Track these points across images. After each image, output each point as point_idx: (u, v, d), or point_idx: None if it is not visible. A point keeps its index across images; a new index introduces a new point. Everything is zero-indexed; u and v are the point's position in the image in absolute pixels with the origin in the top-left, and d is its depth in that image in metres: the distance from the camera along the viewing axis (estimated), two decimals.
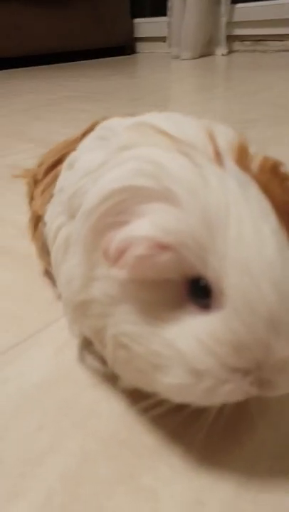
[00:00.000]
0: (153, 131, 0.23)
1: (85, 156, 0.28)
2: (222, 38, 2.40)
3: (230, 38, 2.44)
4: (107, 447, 0.26)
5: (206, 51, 2.46)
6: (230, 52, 2.45)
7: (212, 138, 0.22)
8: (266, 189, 0.20)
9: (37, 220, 0.38)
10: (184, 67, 2.18)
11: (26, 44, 2.38)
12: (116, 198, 0.21)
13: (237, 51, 2.50)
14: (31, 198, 0.40)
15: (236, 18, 2.37)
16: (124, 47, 2.82)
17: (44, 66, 2.47)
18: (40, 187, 0.38)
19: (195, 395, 0.21)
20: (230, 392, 0.20)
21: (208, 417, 0.23)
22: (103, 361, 0.28)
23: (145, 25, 2.80)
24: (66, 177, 0.31)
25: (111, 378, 0.29)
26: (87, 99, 1.39)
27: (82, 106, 1.28)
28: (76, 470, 0.24)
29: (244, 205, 0.19)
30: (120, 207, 0.21)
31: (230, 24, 2.38)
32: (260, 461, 0.24)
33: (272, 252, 0.18)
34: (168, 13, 2.48)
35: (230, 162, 0.20)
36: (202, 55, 2.43)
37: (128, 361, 0.23)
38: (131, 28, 2.81)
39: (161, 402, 0.23)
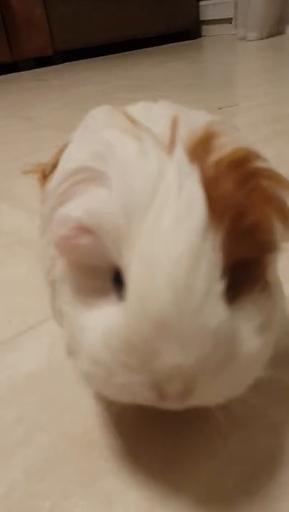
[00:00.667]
0: (122, 115, 0.22)
1: (66, 153, 0.28)
2: None
3: None
4: (76, 446, 0.25)
5: (275, 31, 2.32)
6: None
7: (174, 126, 0.20)
8: (213, 183, 0.18)
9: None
10: (250, 49, 2.08)
11: (89, 37, 2.42)
12: (70, 179, 0.21)
13: None
14: (42, 194, 0.41)
15: None
16: (188, 31, 2.75)
17: (104, 56, 2.50)
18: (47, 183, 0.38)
19: (97, 385, 0.20)
20: (121, 386, 0.18)
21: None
22: None
23: (211, 7, 2.70)
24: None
25: None
26: (139, 88, 1.38)
27: (131, 95, 1.27)
28: (41, 466, 0.25)
29: (172, 197, 0.17)
30: (73, 189, 0.21)
31: None
32: (226, 477, 0.22)
33: (182, 251, 0.16)
34: None
35: (180, 151, 0.18)
36: (270, 35, 2.29)
37: (73, 354, 0.22)
38: (196, 11, 2.73)
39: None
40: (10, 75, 2.25)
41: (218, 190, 0.18)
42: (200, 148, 0.19)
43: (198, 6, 2.73)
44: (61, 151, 0.41)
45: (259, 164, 0.20)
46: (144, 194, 0.18)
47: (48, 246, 0.25)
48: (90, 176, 0.20)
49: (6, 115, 1.25)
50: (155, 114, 0.22)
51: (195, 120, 0.21)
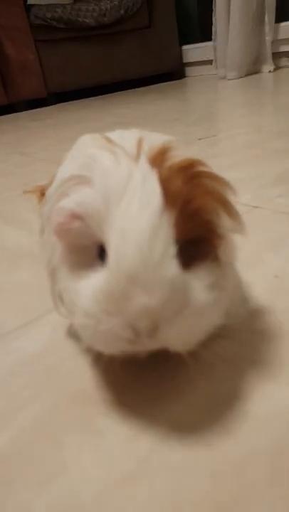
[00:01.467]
0: (102, 138, 0.30)
1: (61, 168, 0.35)
2: (268, 56, 2.43)
3: (277, 55, 2.46)
4: (75, 401, 0.31)
5: (252, 69, 2.49)
6: (277, 68, 2.46)
7: (139, 144, 0.28)
8: (167, 181, 0.25)
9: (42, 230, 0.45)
10: (230, 86, 2.23)
11: (81, 79, 2.59)
12: (65, 184, 0.28)
13: (284, 67, 2.50)
14: (39, 210, 0.48)
15: (282, 36, 2.39)
16: (173, 72, 2.94)
17: (97, 97, 2.66)
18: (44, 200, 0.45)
19: (90, 336, 0.26)
20: (106, 332, 0.24)
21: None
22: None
23: (193, 51, 2.91)
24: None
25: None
26: (130, 124, 1.49)
27: None
28: (45, 417, 0.30)
29: (138, 190, 0.24)
30: (67, 190, 0.28)
31: (276, 42, 2.40)
32: (193, 410, 0.28)
33: (144, 226, 0.23)
34: (213, 37, 2.57)
35: (144, 160, 0.26)
36: (248, 74, 2.47)
37: (71, 316, 0.29)
38: (179, 55, 2.93)
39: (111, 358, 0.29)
40: (6, 116, 2.39)
41: (171, 186, 0.25)
42: (158, 158, 0.27)
43: (181, 50, 2.94)
44: (54, 176, 0.49)
45: (201, 169, 0.27)
46: (118, 189, 0.25)
47: (48, 238, 0.32)
48: (79, 180, 0.28)
49: (5, 152, 1.35)
50: (126, 136, 0.30)
51: (155, 139, 0.29)
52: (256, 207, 0.61)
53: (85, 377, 0.33)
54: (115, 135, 0.31)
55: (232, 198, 0.29)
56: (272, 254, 0.47)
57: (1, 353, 0.38)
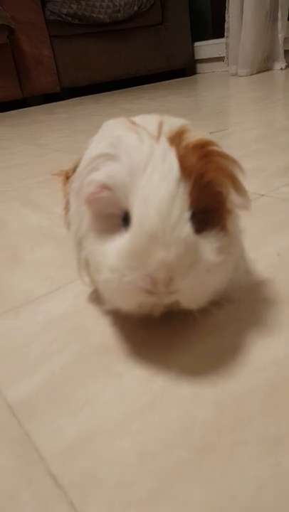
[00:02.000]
0: (127, 121, 0.34)
1: (89, 149, 0.40)
2: (280, 53, 2.45)
3: None
4: (97, 351, 0.36)
5: (264, 66, 2.52)
6: None
7: (160, 126, 0.32)
8: (183, 157, 0.29)
9: (67, 207, 0.50)
10: (241, 83, 2.26)
11: (93, 74, 2.64)
12: (94, 161, 0.32)
13: None
14: (64, 191, 0.52)
15: None
16: (185, 69, 2.98)
17: (109, 92, 2.70)
18: (69, 181, 0.50)
19: (113, 290, 0.30)
20: (128, 285, 0.29)
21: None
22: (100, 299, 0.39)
23: (204, 48, 2.94)
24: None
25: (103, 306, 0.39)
26: None
27: None
28: (72, 363, 0.35)
29: (158, 164, 0.28)
30: (97, 165, 0.32)
31: (288, 39, 2.42)
32: (201, 359, 0.33)
33: (164, 193, 0.28)
34: (225, 34, 2.59)
35: (164, 139, 0.30)
36: (260, 71, 2.49)
37: (96, 275, 0.33)
38: (191, 52, 2.96)
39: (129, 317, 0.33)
40: (21, 109, 2.44)
41: (187, 162, 0.30)
42: (176, 138, 0.31)
43: (193, 47, 2.97)
44: (78, 160, 0.53)
45: (213, 148, 0.32)
46: (141, 164, 0.29)
47: (77, 210, 0.36)
48: (108, 157, 0.32)
49: (22, 143, 1.40)
50: (148, 120, 0.34)
51: (173, 123, 0.33)
52: (263, 195, 0.65)
53: (105, 333, 0.38)
54: (139, 119, 0.35)
55: (240, 175, 0.33)
56: (276, 236, 0.51)
57: (31, 314, 0.43)
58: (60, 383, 0.33)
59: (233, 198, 0.34)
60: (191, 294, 0.30)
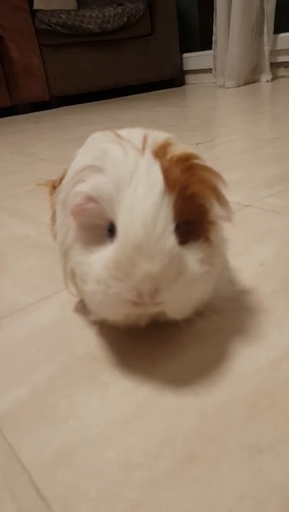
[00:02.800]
0: (112, 134, 0.35)
1: (75, 161, 0.40)
2: (266, 66, 2.50)
3: (275, 65, 2.53)
4: (83, 361, 0.36)
5: (250, 78, 2.56)
6: (275, 78, 2.54)
7: (144, 139, 0.33)
8: (167, 170, 0.30)
9: (54, 218, 0.50)
10: (228, 94, 2.30)
11: (83, 84, 2.65)
12: (80, 173, 0.33)
13: (282, 77, 2.58)
14: (51, 201, 0.53)
15: (280, 47, 2.46)
16: (173, 79, 3.01)
17: (98, 101, 2.71)
18: (56, 191, 0.50)
19: (99, 301, 0.31)
20: (114, 296, 0.29)
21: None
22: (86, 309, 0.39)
23: (193, 59, 2.98)
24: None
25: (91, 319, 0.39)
26: None
27: None
28: (57, 374, 0.35)
29: (143, 176, 0.29)
30: (82, 177, 0.33)
31: (274, 52, 2.48)
32: (184, 369, 0.33)
33: (148, 205, 0.28)
34: (213, 46, 2.64)
35: (148, 153, 0.31)
36: (247, 83, 2.54)
37: (82, 286, 0.33)
38: (180, 63, 3.00)
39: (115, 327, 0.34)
40: (9, 117, 2.44)
41: (171, 175, 0.30)
42: (160, 151, 0.31)
43: (181, 58, 3.01)
44: (65, 170, 0.54)
45: (196, 161, 0.32)
46: (126, 176, 0.30)
47: (63, 221, 0.36)
48: (93, 169, 0.32)
49: (9, 152, 1.40)
50: (133, 133, 0.35)
51: (158, 136, 0.34)
52: (247, 205, 0.66)
53: (91, 343, 0.38)
54: (124, 132, 0.36)
55: (222, 188, 0.34)
56: (259, 246, 0.52)
57: (15, 324, 0.43)
58: (45, 394, 0.33)
59: (216, 209, 0.34)
60: (176, 304, 0.31)
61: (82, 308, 0.42)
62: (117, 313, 0.32)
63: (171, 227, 0.29)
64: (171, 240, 0.29)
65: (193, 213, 0.32)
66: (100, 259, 0.31)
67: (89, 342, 0.38)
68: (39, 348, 0.38)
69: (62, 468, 0.26)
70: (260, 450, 0.26)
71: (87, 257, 0.32)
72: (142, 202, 0.29)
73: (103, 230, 0.32)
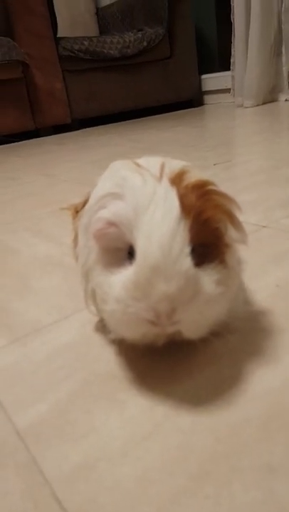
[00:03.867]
0: (131, 163, 0.37)
1: (97, 187, 0.43)
2: (285, 85, 2.53)
3: None
4: (102, 379, 0.38)
5: (269, 98, 2.59)
6: None
7: (162, 167, 0.35)
8: (183, 197, 0.32)
9: (76, 241, 0.52)
10: (247, 114, 2.33)
11: (103, 106, 2.73)
12: (102, 200, 0.35)
13: None
14: (73, 225, 0.55)
15: None
16: (192, 100, 3.07)
17: (119, 123, 2.78)
18: (78, 216, 0.53)
19: (118, 320, 0.33)
20: (132, 315, 0.31)
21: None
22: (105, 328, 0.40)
23: (211, 80, 3.04)
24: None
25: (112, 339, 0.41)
26: (148, 150, 1.59)
27: (141, 155, 1.47)
28: (78, 391, 0.37)
29: (160, 202, 0.31)
30: (104, 204, 0.35)
31: None
32: (200, 389, 0.34)
33: (166, 229, 0.30)
34: (231, 67, 2.69)
35: (165, 180, 0.33)
36: (265, 102, 2.57)
37: (102, 306, 0.35)
38: (198, 84, 3.07)
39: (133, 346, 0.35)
40: (32, 140, 2.53)
41: (187, 201, 0.32)
42: (176, 179, 0.33)
43: (200, 79, 3.07)
44: (87, 194, 0.56)
45: (211, 187, 0.34)
46: (145, 202, 0.32)
47: (85, 244, 0.38)
48: (114, 196, 0.35)
49: (33, 173, 1.45)
50: (151, 161, 0.37)
51: (174, 164, 0.36)
52: (264, 226, 0.67)
53: (110, 362, 0.39)
54: (142, 160, 0.38)
55: (237, 212, 0.35)
56: (275, 267, 0.53)
57: (39, 342, 0.45)
58: (66, 410, 0.35)
59: (231, 232, 0.36)
60: (192, 324, 0.32)
61: (102, 327, 0.43)
62: (135, 332, 0.33)
63: (187, 249, 0.31)
64: (187, 261, 0.30)
65: (208, 237, 0.33)
66: (120, 280, 0.32)
67: (108, 360, 0.40)
68: (60, 365, 0.40)
69: (81, 482, 0.28)
70: (272, 469, 0.27)
71: (107, 277, 0.34)
72: (160, 226, 0.31)
73: (123, 253, 0.34)
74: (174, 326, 0.32)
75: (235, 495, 0.25)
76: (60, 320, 0.49)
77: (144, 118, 2.86)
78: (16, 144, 2.47)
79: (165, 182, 0.33)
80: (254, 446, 0.28)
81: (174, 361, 0.38)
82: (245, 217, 0.35)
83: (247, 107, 2.53)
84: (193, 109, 3.02)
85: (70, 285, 0.57)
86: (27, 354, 0.43)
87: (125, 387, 0.36)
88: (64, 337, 0.45)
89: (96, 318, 0.46)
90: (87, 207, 0.41)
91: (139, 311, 0.31)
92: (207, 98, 3.16)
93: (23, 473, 0.29)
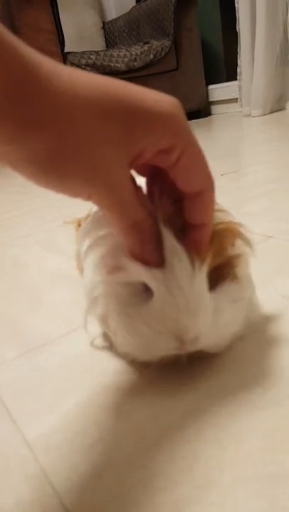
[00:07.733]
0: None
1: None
2: None
3: None
4: (109, 390, 0.38)
5: (276, 106, 2.60)
6: None
7: None
8: None
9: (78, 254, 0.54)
10: (254, 123, 2.34)
11: None
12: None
13: None
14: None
15: None
16: (199, 110, 3.10)
17: None
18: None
19: (138, 349, 0.34)
20: (156, 346, 0.33)
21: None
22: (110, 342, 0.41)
23: (218, 90, 3.07)
24: None
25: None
26: None
27: None
28: (86, 401, 0.37)
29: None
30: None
31: None
32: (204, 399, 0.35)
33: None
34: (238, 77, 2.71)
35: None
36: (272, 111, 2.58)
37: (116, 330, 0.36)
38: (205, 94, 3.09)
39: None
40: None
41: None
42: None
43: (207, 89, 3.10)
44: (90, 209, 0.58)
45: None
46: None
47: (92, 277, 0.39)
48: None
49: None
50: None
51: None
52: (271, 237, 0.68)
53: (116, 373, 0.40)
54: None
55: (241, 226, 0.37)
56: (281, 278, 0.54)
57: (49, 354, 0.46)
58: (74, 421, 0.35)
59: (239, 244, 0.37)
60: (213, 343, 0.35)
61: (108, 340, 0.44)
62: (153, 358, 0.35)
63: (206, 284, 0.32)
64: (207, 297, 0.32)
65: (220, 259, 0.34)
66: (139, 313, 0.33)
67: (114, 372, 0.41)
68: (70, 376, 0.41)
69: (89, 491, 0.29)
70: (276, 478, 0.27)
71: (124, 308, 0.34)
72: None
73: (139, 285, 0.34)
74: (196, 348, 0.34)
75: (239, 502, 0.26)
76: (70, 332, 0.50)
77: None
78: None
79: None
80: (258, 456, 0.29)
81: (178, 371, 0.38)
82: (252, 227, 0.36)
83: (254, 117, 2.55)
84: (200, 119, 3.05)
85: (79, 298, 0.58)
86: (38, 366, 0.44)
87: (130, 398, 0.37)
88: (73, 349, 0.46)
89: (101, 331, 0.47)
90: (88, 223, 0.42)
91: (165, 345, 0.33)
92: (214, 108, 3.18)
93: (33, 483, 0.30)
